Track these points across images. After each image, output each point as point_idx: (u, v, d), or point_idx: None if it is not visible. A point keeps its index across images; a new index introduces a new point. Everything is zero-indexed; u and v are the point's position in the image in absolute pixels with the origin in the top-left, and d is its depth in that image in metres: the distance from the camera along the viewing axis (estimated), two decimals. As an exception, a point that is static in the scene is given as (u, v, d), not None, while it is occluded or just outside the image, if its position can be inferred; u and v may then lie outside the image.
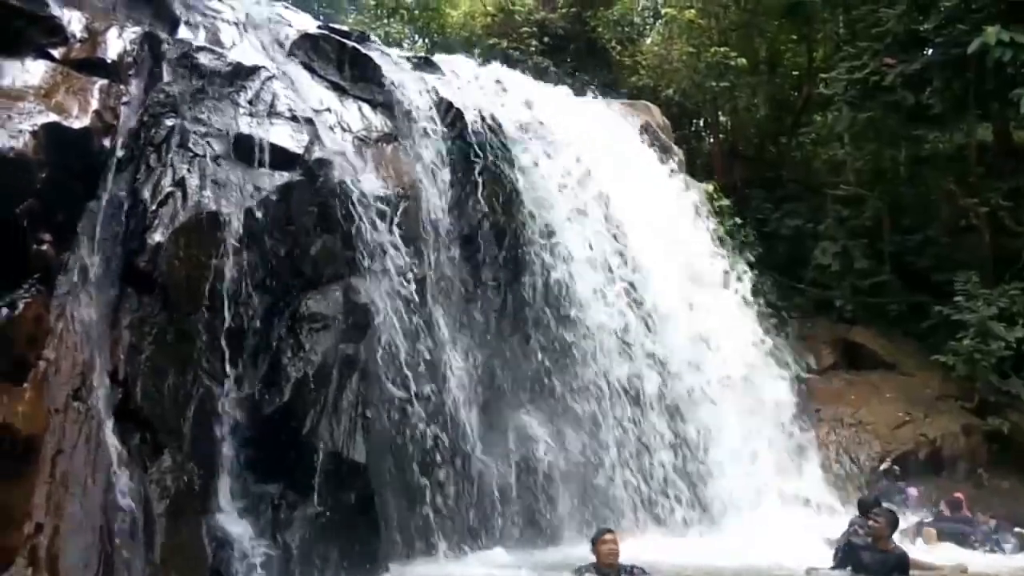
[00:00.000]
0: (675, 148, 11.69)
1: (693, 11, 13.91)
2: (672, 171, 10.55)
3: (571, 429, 7.27)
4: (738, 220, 11.55)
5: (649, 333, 8.20)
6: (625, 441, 7.47)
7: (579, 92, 11.32)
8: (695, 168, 12.73)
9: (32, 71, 4.48)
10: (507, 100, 8.88)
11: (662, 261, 8.79)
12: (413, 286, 6.36)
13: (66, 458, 4.06)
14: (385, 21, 16.24)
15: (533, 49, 14.41)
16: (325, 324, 5.58)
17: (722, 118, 15.76)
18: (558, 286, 7.62)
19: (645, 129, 11.02)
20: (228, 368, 4.97)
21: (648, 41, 15.87)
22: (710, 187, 11.50)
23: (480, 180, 7.41)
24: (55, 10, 4.84)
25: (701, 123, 16.50)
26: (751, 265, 10.55)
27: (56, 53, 4.71)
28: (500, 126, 7.86)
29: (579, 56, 15.42)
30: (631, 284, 8.23)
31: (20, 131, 3.89)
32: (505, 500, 6.64)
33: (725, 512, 7.74)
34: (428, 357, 6.35)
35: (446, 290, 6.94)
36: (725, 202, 11.54)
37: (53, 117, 4.16)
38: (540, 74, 12.60)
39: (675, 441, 7.81)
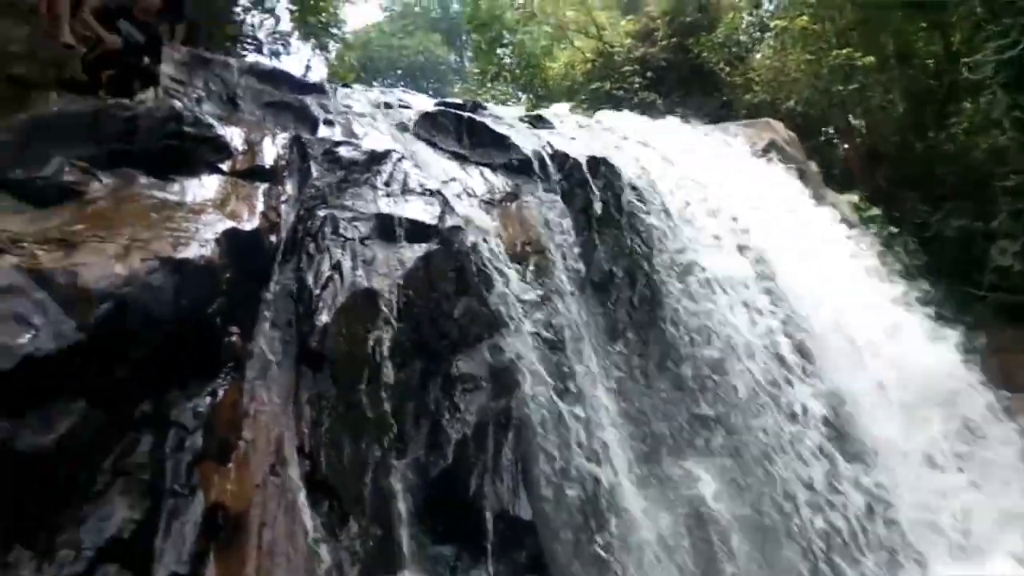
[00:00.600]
0: (807, 161, 11.77)
1: (805, 18, 14.04)
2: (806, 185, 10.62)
3: (742, 474, 7.23)
4: (893, 228, 11.38)
5: (806, 362, 8.13)
6: (804, 483, 7.25)
7: (690, 120, 11.67)
8: (832, 178, 12.66)
9: (207, 185, 5.51)
10: (618, 142, 9.44)
11: (811, 280, 8.85)
12: (552, 338, 6.82)
13: (269, 530, 4.71)
14: (489, 85, 17.52)
15: (637, 85, 15.05)
16: (476, 384, 6.14)
17: (854, 121, 15.60)
18: (699, 323, 7.81)
19: (771, 146, 11.23)
20: (393, 434, 5.62)
21: (759, 56, 16.08)
22: (854, 197, 11.41)
23: (604, 225, 7.92)
24: (219, 130, 5.94)
25: (831, 130, 16.40)
26: (916, 274, 10.27)
27: (224, 167, 5.77)
28: (617, 169, 8.39)
29: (686, 84, 15.89)
30: (779, 307, 8.32)
31: (207, 240, 4.73)
32: (676, 556, 6.57)
33: (932, 559, 7.26)
34: (576, 407, 6.65)
35: (585, 338, 7.33)
36: (874, 211, 11.39)
37: (230, 224, 5.03)
38: (647, 109, 13.11)
39: (864, 480, 7.49)
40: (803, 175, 11.02)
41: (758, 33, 16.56)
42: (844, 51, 13.24)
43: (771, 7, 16.51)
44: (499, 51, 19.38)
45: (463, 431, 5.87)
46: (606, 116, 10.45)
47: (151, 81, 7.42)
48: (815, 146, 14.32)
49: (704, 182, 9.21)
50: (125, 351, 3.93)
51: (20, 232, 4.35)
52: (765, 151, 11.00)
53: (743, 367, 7.77)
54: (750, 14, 16.44)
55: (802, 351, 8.17)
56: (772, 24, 15.37)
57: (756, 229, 9.08)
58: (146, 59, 7.51)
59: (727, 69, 15.31)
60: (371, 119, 7.86)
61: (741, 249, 8.82)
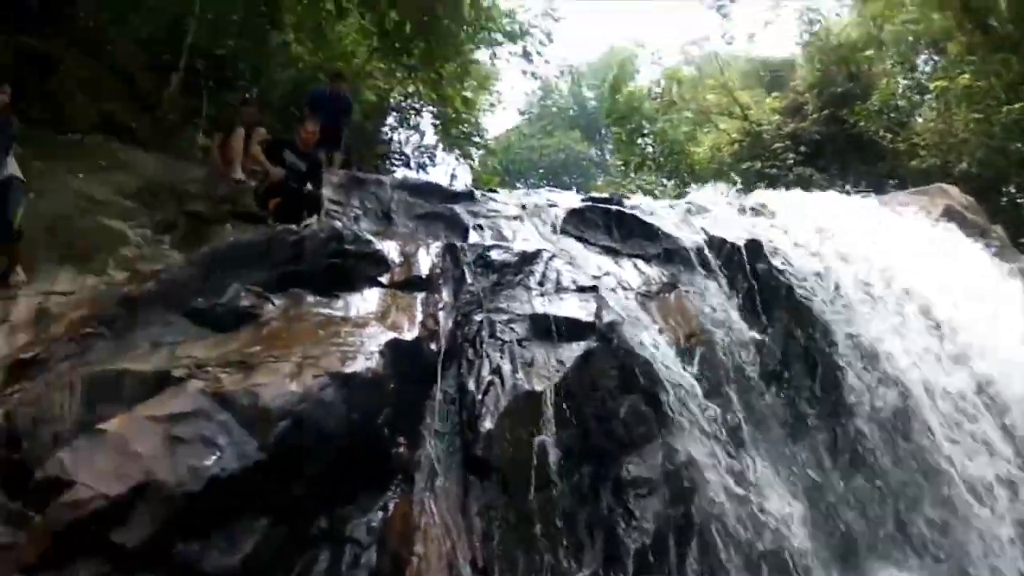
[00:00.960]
0: (990, 225, 11.05)
1: (967, 76, 13.40)
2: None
3: None
4: (1099, 292, 10.34)
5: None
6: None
7: (852, 192, 11.27)
8: (1020, 243, 11.81)
9: (369, 299, 5.80)
10: (779, 222, 9.18)
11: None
12: (728, 435, 6.52)
13: (448, 654, 4.68)
14: (633, 175, 17.77)
15: (791, 161, 14.73)
16: (650, 488, 5.92)
17: (1038, 179, 14.58)
18: (893, 412, 7.29)
19: (947, 212, 10.63)
20: (568, 546, 5.43)
21: (921, 120, 15.43)
22: (1055, 262, 10.55)
23: (772, 310, 7.64)
24: (377, 245, 6.33)
25: (1013, 190, 15.37)
26: None
27: (383, 279, 6.08)
28: (781, 251, 8.12)
29: (843, 156, 15.43)
30: (982, 393, 7.65)
31: (372, 353, 4.90)
32: None
33: None
34: (760, 511, 6.27)
35: (764, 433, 6.98)
36: (1074, 274, 10.47)
37: (392, 335, 5.20)
38: (804, 185, 12.79)
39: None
40: (987, 241, 10.30)
41: (917, 96, 15.96)
42: (1017, 106, 12.48)
43: (927, 68, 15.96)
44: (640, 141, 19.75)
45: (641, 540, 5.60)
46: (761, 196, 10.22)
47: (316, 208, 8.01)
48: (997, 208, 13.43)
49: (878, 257, 8.73)
50: (301, 467, 4.07)
51: (204, 357, 4.71)
52: (942, 218, 10.42)
53: (947, 459, 7.06)
54: (905, 77, 15.92)
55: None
56: (932, 86, 14.78)
57: (941, 302, 8.47)
58: (309, 186, 8.12)
59: (888, 136, 14.73)
60: (519, 221, 8.07)
61: (928, 326, 8.23)
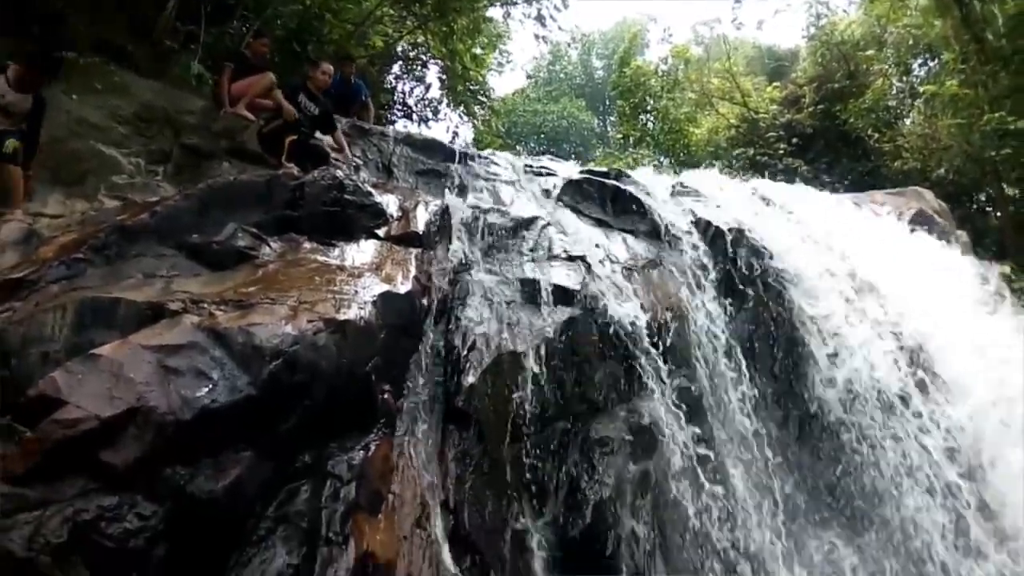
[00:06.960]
0: (956, 231, 11.06)
1: (955, 83, 13.25)
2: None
3: (882, 552, 6.77)
4: (1046, 298, 10.42)
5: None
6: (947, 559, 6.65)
7: (835, 188, 11.26)
8: (982, 248, 11.85)
9: (365, 250, 5.74)
10: (762, 209, 9.14)
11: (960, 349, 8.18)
12: (691, 404, 6.60)
13: (415, 581, 4.76)
14: (632, 150, 17.51)
15: (782, 152, 14.61)
16: (614, 448, 6.01)
17: (1009, 190, 14.54)
18: (841, 393, 7.38)
19: (919, 215, 10.63)
20: (533, 493, 5.52)
21: (908, 122, 15.30)
22: (1006, 268, 10.62)
23: (746, 293, 7.66)
24: (377, 197, 6.24)
25: (983, 198, 15.36)
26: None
27: (380, 232, 6.02)
28: (759, 237, 8.10)
29: (832, 150, 15.33)
30: (925, 374, 7.76)
31: (365, 302, 4.88)
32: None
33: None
34: (715, 475, 6.44)
35: (724, 405, 7.09)
36: (1027, 281, 10.57)
37: (385, 287, 5.18)
38: (792, 175, 12.72)
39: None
40: (951, 244, 10.32)
41: (908, 99, 15.79)
42: (997, 115, 12.34)
43: (921, 73, 15.77)
44: (642, 116, 19.51)
45: (601, 493, 5.75)
46: (757, 184, 10.16)
47: (321, 161, 7.76)
48: (966, 215, 13.48)
49: (847, 250, 8.74)
50: (291, 405, 4.07)
51: (199, 293, 4.66)
52: (912, 220, 10.43)
53: (890, 443, 7.20)
54: (899, 80, 15.73)
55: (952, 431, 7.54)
56: (922, 90, 14.61)
57: (898, 298, 8.50)
58: (318, 135, 7.92)
59: (875, 136, 14.61)
60: (518, 186, 7.98)
61: (884, 320, 8.27)
